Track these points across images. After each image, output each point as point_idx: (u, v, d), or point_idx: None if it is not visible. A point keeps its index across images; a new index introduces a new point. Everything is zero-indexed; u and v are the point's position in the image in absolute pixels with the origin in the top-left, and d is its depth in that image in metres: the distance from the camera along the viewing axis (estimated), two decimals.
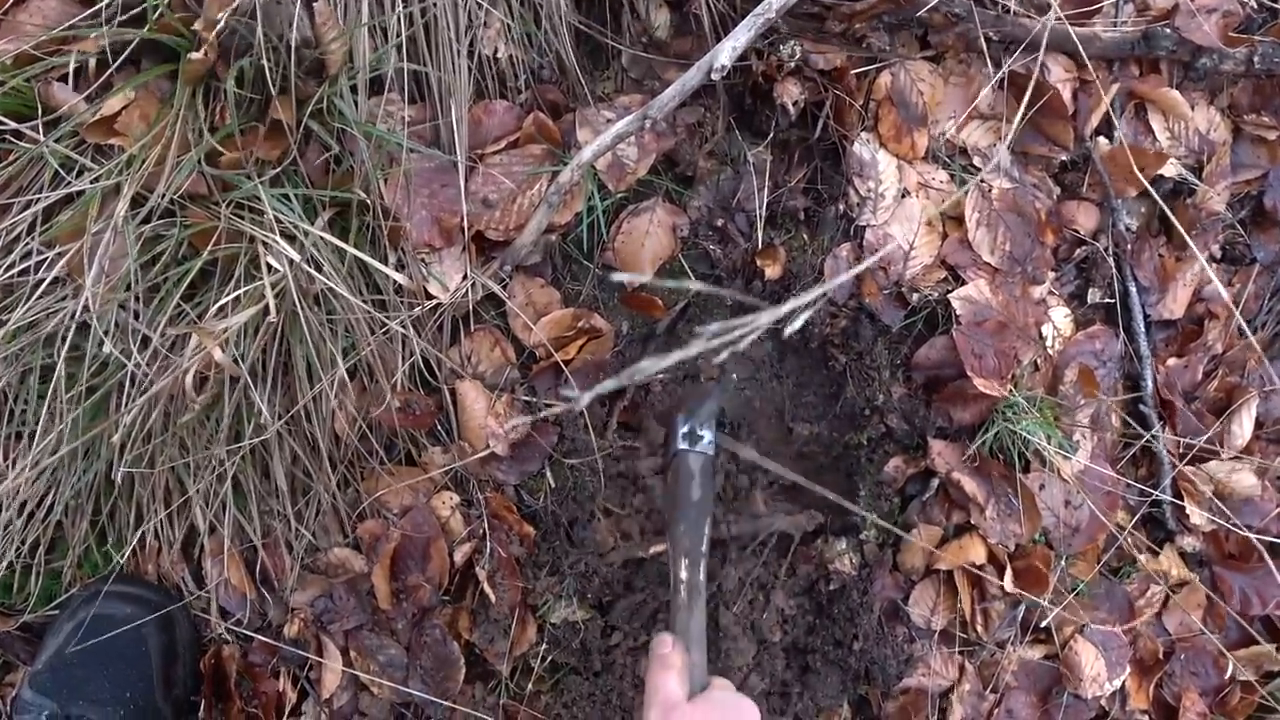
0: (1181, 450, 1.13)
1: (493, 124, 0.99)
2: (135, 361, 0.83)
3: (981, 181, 1.06)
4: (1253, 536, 1.07)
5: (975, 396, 1.03)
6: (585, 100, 1.02)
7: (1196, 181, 1.14)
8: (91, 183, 0.80)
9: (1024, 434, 1.03)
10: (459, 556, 1.01)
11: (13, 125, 0.78)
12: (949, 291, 1.05)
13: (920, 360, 1.06)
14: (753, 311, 1.10)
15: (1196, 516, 1.11)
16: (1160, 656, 1.12)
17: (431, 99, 0.94)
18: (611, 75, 1.06)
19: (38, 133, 0.79)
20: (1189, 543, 1.13)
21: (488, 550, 1.01)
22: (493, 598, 0.99)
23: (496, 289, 0.98)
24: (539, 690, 1.04)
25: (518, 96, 1.01)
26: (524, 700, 1.03)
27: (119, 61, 0.79)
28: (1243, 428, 1.15)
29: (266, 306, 0.79)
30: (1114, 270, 1.13)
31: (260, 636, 1.02)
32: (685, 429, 0.93)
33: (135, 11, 0.78)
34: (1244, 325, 1.15)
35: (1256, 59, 1.10)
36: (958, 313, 1.04)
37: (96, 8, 0.78)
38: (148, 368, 0.84)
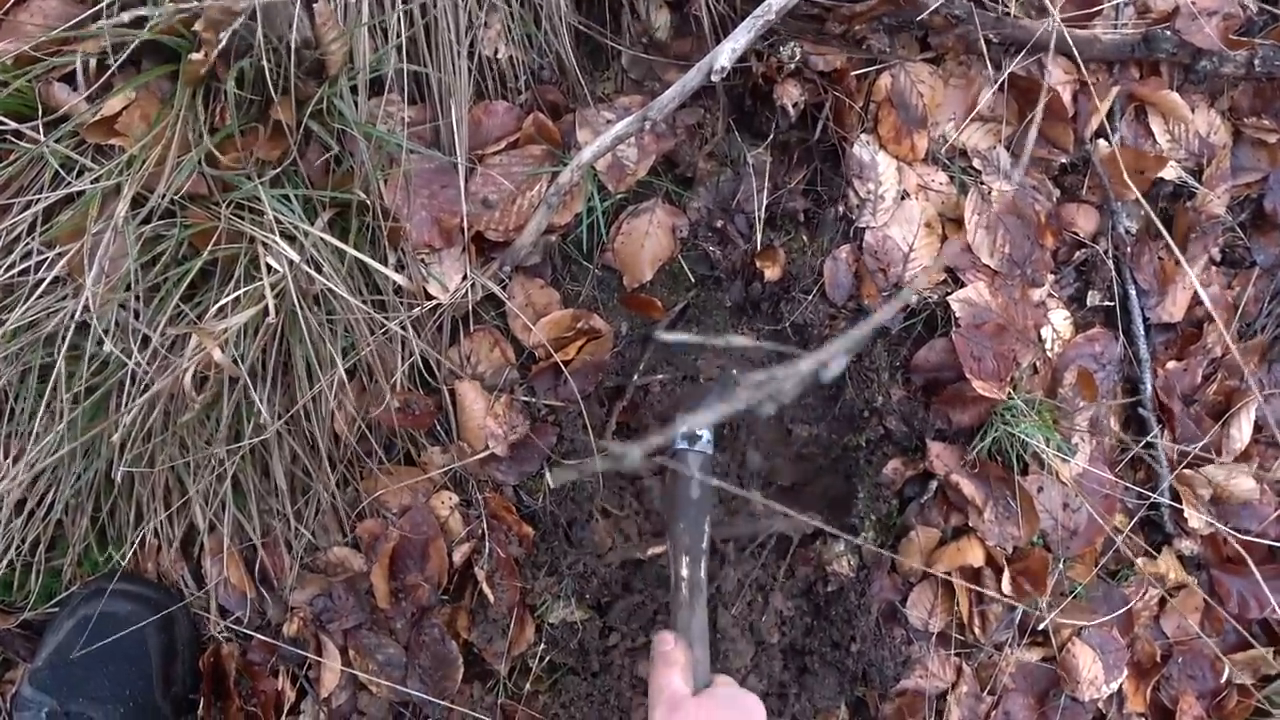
0: (1177, 455, 1.14)
1: (493, 125, 0.99)
2: (135, 361, 0.83)
3: (981, 184, 1.06)
4: (1235, 537, 1.07)
5: (974, 399, 1.03)
6: (585, 101, 1.02)
7: (1196, 185, 1.14)
8: (92, 183, 0.80)
9: (1023, 437, 1.03)
10: (458, 556, 1.01)
11: (13, 125, 0.78)
12: (948, 293, 1.05)
13: (919, 362, 1.06)
14: (752, 314, 1.10)
15: (1195, 520, 1.11)
16: (1158, 659, 1.13)
17: (431, 100, 0.94)
18: (611, 76, 1.06)
19: (38, 133, 0.79)
20: (1187, 546, 1.13)
21: (486, 550, 1.01)
22: (491, 598, 1.00)
23: (496, 289, 0.99)
24: (537, 690, 1.04)
25: (518, 97, 1.01)
26: (522, 700, 1.03)
27: (119, 62, 0.79)
28: (1241, 432, 1.15)
29: (266, 307, 0.79)
30: (1113, 273, 1.13)
31: (259, 635, 1.02)
32: (683, 429, 0.93)
33: (139, 12, 0.79)
34: (1225, 333, 1.14)
35: (1257, 62, 1.10)
36: (957, 315, 1.04)
37: (98, 7, 0.79)
38: (148, 367, 0.84)
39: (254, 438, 0.90)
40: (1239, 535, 1.10)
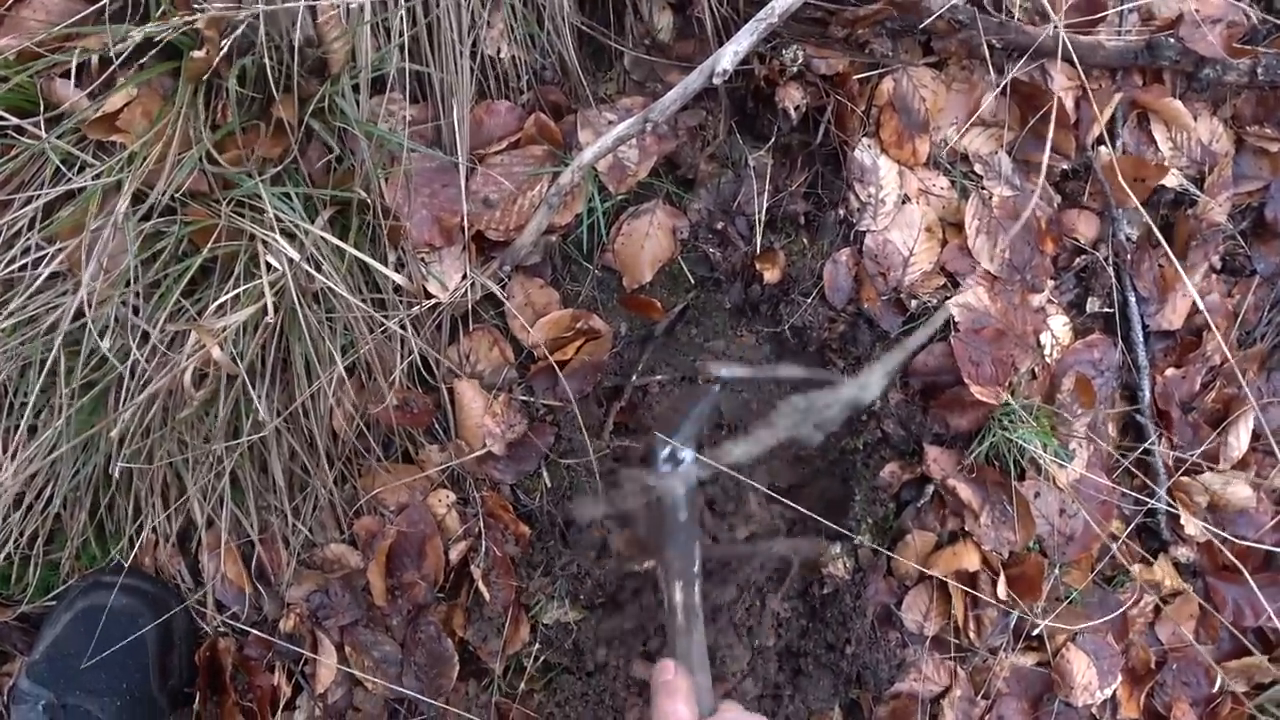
0: (1174, 462, 1.14)
1: (494, 124, 0.99)
2: (135, 357, 0.83)
3: (982, 189, 1.06)
4: (1231, 542, 1.07)
5: (972, 404, 1.03)
6: (587, 102, 1.02)
7: (1198, 192, 1.14)
8: (93, 179, 0.80)
9: (1020, 442, 1.03)
10: (454, 554, 1.01)
11: (15, 121, 0.78)
12: (948, 298, 1.05)
13: (918, 366, 1.06)
14: (751, 316, 1.10)
15: (1191, 527, 1.12)
16: (1152, 666, 1.13)
17: (433, 99, 0.94)
18: (614, 77, 1.06)
19: (39, 128, 0.79)
20: (1183, 553, 1.14)
21: (483, 549, 1.01)
22: (487, 596, 1.00)
23: (495, 289, 0.99)
24: (531, 689, 1.04)
25: (520, 97, 1.01)
26: (516, 699, 1.04)
27: (121, 58, 0.79)
28: (1239, 439, 1.15)
29: (266, 304, 0.80)
30: (1113, 280, 1.13)
31: (256, 630, 1.02)
32: (665, 451, 0.88)
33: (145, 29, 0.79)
34: (1223, 341, 1.14)
35: (1260, 70, 1.10)
36: (956, 320, 1.04)
37: (99, 4, 0.79)
38: (147, 364, 0.84)
39: (253, 434, 0.90)
40: (1235, 541, 1.10)
